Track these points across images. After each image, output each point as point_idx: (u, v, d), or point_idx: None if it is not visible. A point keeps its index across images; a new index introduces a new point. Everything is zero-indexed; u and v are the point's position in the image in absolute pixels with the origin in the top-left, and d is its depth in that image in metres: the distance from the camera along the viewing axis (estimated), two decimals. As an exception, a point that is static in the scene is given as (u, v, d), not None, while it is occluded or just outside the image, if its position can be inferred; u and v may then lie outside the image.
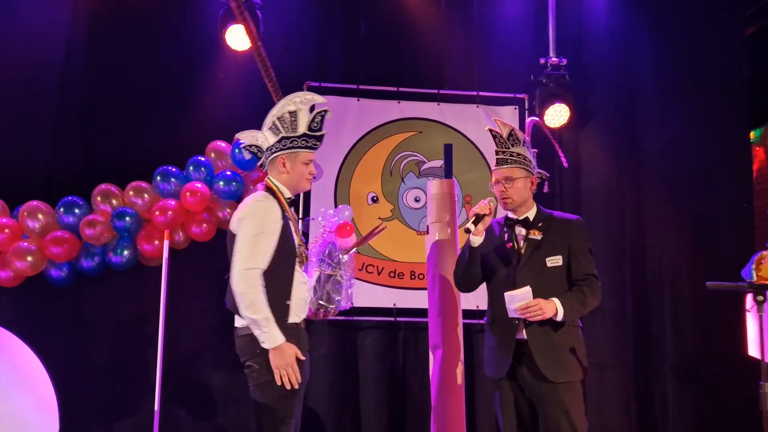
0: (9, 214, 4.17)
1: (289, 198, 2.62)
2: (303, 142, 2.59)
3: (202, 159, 4.26)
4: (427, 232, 3.66)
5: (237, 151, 4.27)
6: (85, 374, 4.27)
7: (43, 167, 4.41)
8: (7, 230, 4.04)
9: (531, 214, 2.80)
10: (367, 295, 4.50)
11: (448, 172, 3.75)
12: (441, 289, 3.56)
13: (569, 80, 4.63)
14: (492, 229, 2.87)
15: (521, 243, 2.77)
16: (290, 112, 2.57)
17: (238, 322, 2.52)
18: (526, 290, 2.57)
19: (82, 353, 4.29)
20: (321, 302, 2.61)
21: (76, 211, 4.15)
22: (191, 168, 4.26)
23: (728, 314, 4.27)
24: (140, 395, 4.19)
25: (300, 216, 4.48)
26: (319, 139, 2.63)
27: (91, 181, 4.25)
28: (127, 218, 4.08)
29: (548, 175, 3.01)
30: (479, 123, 4.74)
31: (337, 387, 4.53)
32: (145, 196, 4.20)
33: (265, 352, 2.41)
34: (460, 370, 3.55)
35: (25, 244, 4.08)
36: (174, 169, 4.25)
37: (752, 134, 5.55)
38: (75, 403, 4.15)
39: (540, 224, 2.77)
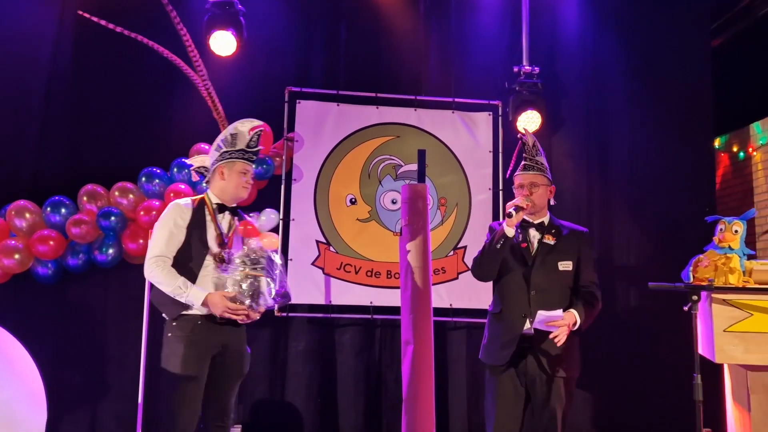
0: (-3, 213, 4.25)
1: (219, 204, 2.94)
2: (240, 155, 2.96)
3: (186, 161, 4.39)
4: (400, 234, 3.82)
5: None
6: (72, 368, 4.35)
7: (30, 167, 4.47)
8: (-6, 229, 4.13)
9: (546, 220, 3.02)
10: (345, 293, 4.62)
11: (421, 176, 3.89)
12: (413, 287, 3.71)
13: (542, 88, 4.77)
14: (497, 229, 3.00)
15: (535, 245, 2.96)
16: (231, 134, 2.97)
17: None
18: (558, 313, 2.76)
19: (68, 348, 4.37)
20: (247, 302, 2.76)
21: (63, 210, 4.24)
22: (175, 169, 4.37)
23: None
24: (124, 388, 4.30)
25: (281, 217, 4.62)
26: (255, 153, 3.01)
27: (77, 182, 4.34)
28: (113, 218, 4.18)
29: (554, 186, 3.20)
30: (455, 128, 4.89)
31: (315, 382, 4.64)
32: (130, 196, 4.30)
33: (168, 338, 2.76)
34: (430, 365, 3.71)
35: (13, 242, 4.16)
36: (158, 171, 4.36)
37: (717, 141, 5.77)
38: (62, 395, 4.26)
39: (553, 231, 2.97)
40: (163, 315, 2.89)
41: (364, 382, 4.70)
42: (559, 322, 2.74)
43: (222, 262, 2.84)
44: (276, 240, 2.86)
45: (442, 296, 4.69)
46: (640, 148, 5.03)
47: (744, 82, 5.53)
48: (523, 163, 3.02)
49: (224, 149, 2.96)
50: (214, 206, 2.95)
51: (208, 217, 2.90)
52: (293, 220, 4.63)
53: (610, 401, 4.81)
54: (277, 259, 2.89)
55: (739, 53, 5.61)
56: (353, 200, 4.75)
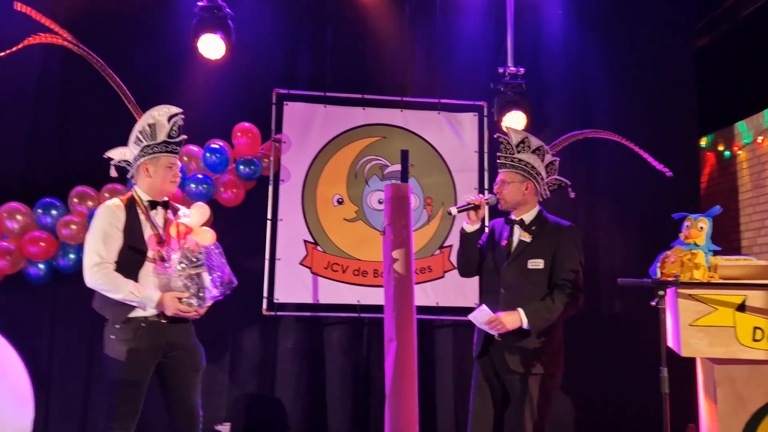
0: (-12, 215, 4.30)
1: (150, 201, 2.85)
2: (163, 147, 2.84)
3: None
4: (384, 233, 3.87)
5: (208, 154, 4.46)
6: (61, 367, 4.42)
7: (21, 170, 4.52)
8: (-14, 230, 4.19)
9: (528, 216, 3.00)
10: (333, 292, 4.68)
11: (404, 176, 3.95)
12: (396, 285, 3.76)
13: (526, 88, 4.82)
14: (496, 227, 3.11)
15: (514, 243, 2.98)
16: (149, 125, 2.82)
17: None
18: (482, 309, 2.80)
19: (58, 347, 4.43)
20: (195, 301, 2.77)
21: (54, 212, 4.30)
22: (163, 171, 4.44)
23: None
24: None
25: (269, 217, 4.69)
26: (179, 144, 2.87)
27: (67, 183, 4.39)
28: (102, 219, 4.26)
29: (568, 182, 3.19)
30: (440, 129, 4.95)
31: (303, 380, 4.69)
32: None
33: (111, 340, 2.73)
34: (413, 361, 3.77)
35: (5, 243, 4.21)
36: (147, 172, 4.43)
37: (704, 140, 5.83)
38: (50, 394, 4.34)
39: (533, 227, 2.96)
40: (107, 318, 2.83)
41: (352, 379, 4.75)
42: (491, 318, 2.77)
43: (162, 260, 2.77)
44: (211, 234, 2.83)
45: (428, 294, 4.75)
46: (625, 148, 5.06)
47: (729, 81, 5.59)
48: (497, 161, 3.08)
49: (145, 143, 2.82)
50: (146, 204, 2.85)
51: (142, 216, 2.82)
52: (281, 220, 4.71)
53: (592, 398, 4.87)
54: (214, 248, 2.83)
55: (724, 53, 5.67)
56: (340, 200, 4.81)
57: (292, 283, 4.65)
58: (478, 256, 3.09)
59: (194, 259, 2.75)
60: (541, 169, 3.00)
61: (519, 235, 2.98)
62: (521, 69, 4.86)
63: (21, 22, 4.46)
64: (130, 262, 2.76)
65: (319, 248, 4.72)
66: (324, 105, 4.85)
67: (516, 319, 2.78)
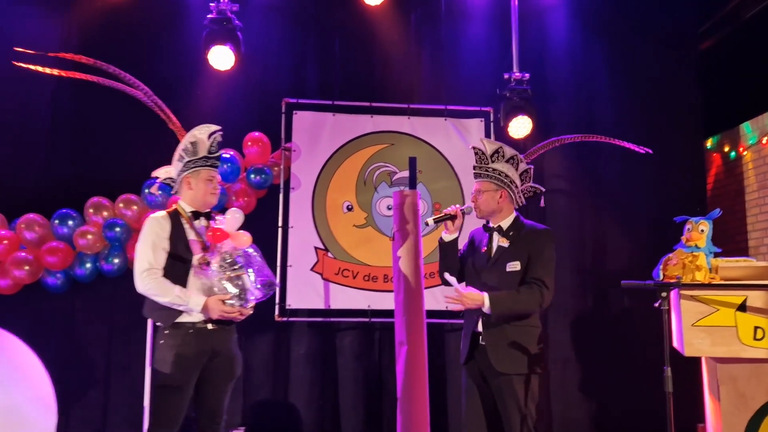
0: (7, 226, 4.43)
1: (194, 211, 3.01)
2: (203, 162, 3.00)
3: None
4: (393, 238, 3.95)
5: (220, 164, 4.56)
6: (80, 373, 4.52)
7: (38, 182, 4.64)
8: (5, 241, 4.29)
9: (505, 223, 3.09)
10: (344, 297, 4.76)
11: (412, 183, 4.02)
12: (406, 290, 3.83)
13: (532, 94, 4.86)
14: (475, 236, 3.21)
15: (494, 248, 3.07)
16: (191, 143, 2.99)
17: None
18: (455, 282, 2.90)
19: (77, 354, 4.53)
20: (237, 303, 2.86)
21: (70, 222, 4.41)
22: (177, 181, 4.54)
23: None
24: (131, 392, 4.43)
25: (280, 225, 4.78)
26: (218, 158, 3.04)
27: (83, 195, 4.50)
28: (118, 229, 4.35)
29: (543, 189, 3.27)
30: (447, 135, 5.02)
31: (316, 385, 4.76)
32: (134, 207, 4.46)
33: (161, 345, 2.85)
34: (424, 364, 3.83)
35: (23, 254, 4.33)
36: (161, 183, 4.52)
37: (710, 141, 5.86)
38: (71, 399, 4.44)
39: (511, 233, 3.05)
40: (157, 323, 2.97)
41: (364, 384, 4.81)
42: (457, 295, 2.86)
43: (207, 264, 2.89)
44: (247, 237, 2.93)
45: (438, 299, 4.79)
46: (630, 151, 5.11)
47: (733, 82, 5.62)
48: (473, 171, 3.17)
49: (187, 159, 2.99)
50: (189, 214, 3.00)
51: (186, 226, 2.96)
52: (292, 227, 4.79)
53: (604, 398, 4.91)
54: (253, 251, 2.95)
55: (728, 55, 5.71)
56: (350, 207, 4.89)
57: (303, 290, 4.73)
58: (459, 263, 3.21)
59: (233, 262, 2.85)
60: (515, 177, 3.08)
61: (498, 240, 3.07)
62: (526, 74, 4.90)
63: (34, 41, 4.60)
64: (177, 269, 2.89)
65: (329, 254, 4.80)
66: (332, 113, 4.94)
67: (479, 299, 2.86)
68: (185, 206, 3.03)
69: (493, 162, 3.07)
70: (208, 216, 3.06)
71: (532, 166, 3.19)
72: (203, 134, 2.99)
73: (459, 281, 3.08)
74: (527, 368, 2.90)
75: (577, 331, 5.02)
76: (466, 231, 3.36)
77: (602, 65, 5.26)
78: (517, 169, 3.08)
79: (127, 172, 4.61)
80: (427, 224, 3.21)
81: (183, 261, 2.91)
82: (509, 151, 3.09)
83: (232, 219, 2.92)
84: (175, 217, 2.98)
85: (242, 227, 2.97)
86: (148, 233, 2.91)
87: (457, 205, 3.15)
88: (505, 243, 3.03)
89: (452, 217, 3.12)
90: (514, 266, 2.96)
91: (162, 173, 3.14)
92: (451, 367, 4.90)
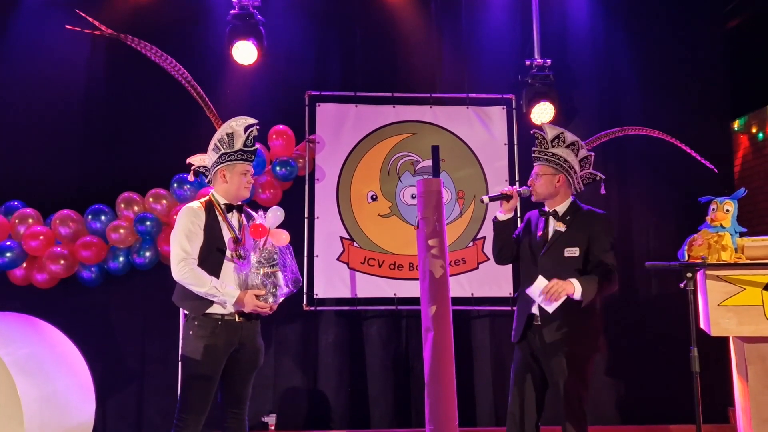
0: (43, 222, 4.55)
1: (227, 204, 3.03)
2: (239, 156, 3.01)
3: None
4: (418, 227, 3.99)
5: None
6: (115, 364, 4.65)
7: (72, 179, 4.78)
8: (41, 237, 4.42)
9: (561, 207, 3.09)
10: (370, 286, 4.82)
11: (435, 171, 4.05)
12: (431, 277, 3.87)
13: (554, 80, 4.85)
14: (532, 218, 3.22)
15: (550, 233, 3.08)
16: (227, 134, 3.00)
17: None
18: (540, 280, 2.86)
19: (112, 346, 4.67)
20: (271, 299, 2.92)
21: (103, 217, 4.52)
22: (204, 175, 4.62)
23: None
24: (165, 382, 4.57)
25: (306, 216, 4.85)
26: (253, 152, 3.04)
27: (115, 190, 4.61)
28: (148, 223, 4.44)
29: (603, 176, 3.28)
30: (470, 123, 5.04)
31: (345, 373, 4.84)
32: (164, 201, 4.55)
33: (190, 336, 2.89)
34: (450, 349, 3.87)
35: (58, 249, 4.45)
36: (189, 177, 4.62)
37: (737, 123, 5.77)
38: (107, 388, 4.56)
39: (567, 217, 3.06)
40: (185, 312, 3.02)
41: (392, 371, 4.88)
42: (549, 285, 2.82)
43: (240, 258, 2.95)
44: (286, 236, 2.99)
45: (463, 286, 4.84)
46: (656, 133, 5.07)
47: (761, 62, 5.52)
48: (532, 155, 3.18)
49: (222, 151, 3.01)
50: (222, 207, 3.03)
51: (220, 218, 3.00)
52: (318, 218, 4.86)
53: (632, 382, 4.91)
54: (286, 250, 3.02)
55: (755, 34, 5.59)
56: (374, 197, 4.93)
57: (330, 279, 4.80)
58: (514, 245, 3.22)
59: (271, 258, 2.91)
60: (575, 163, 3.08)
61: (554, 225, 3.07)
62: (548, 60, 4.89)
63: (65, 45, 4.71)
64: (210, 259, 2.93)
65: (355, 244, 4.86)
66: (355, 105, 4.98)
67: (571, 286, 2.84)
68: (219, 198, 3.05)
69: (553, 147, 3.08)
70: (240, 209, 3.10)
71: (593, 153, 3.18)
72: (240, 126, 3.00)
73: (506, 262, 3.16)
74: (579, 350, 2.90)
75: (604, 313, 4.99)
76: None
77: (625, 48, 5.21)
78: (577, 155, 3.09)
79: (156, 168, 4.72)
80: (482, 201, 3.22)
81: (216, 252, 2.95)
82: (570, 137, 3.09)
83: (272, 216, 2.96)
84: (209, 208, 3.01)
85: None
86: (184, 222, 2.94)
87: (515, 186, 3.16)
88: (562, 227, 3.03)
89: (508, 197, 3.12)
90: (573, 252, 2.97)
91: (197, 160, 3.15)
92: (478, 353, 4.94)
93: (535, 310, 3.01)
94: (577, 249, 2.97)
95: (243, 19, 4.60)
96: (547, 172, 3.09)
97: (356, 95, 4.99)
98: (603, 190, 3.34)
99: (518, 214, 4.33)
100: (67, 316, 4.46)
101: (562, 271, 2.94)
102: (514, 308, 3.24)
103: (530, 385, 3.04)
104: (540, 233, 3.09)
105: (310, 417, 4.81)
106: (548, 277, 2.88)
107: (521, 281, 3.19)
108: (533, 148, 3.18)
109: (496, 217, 3.21)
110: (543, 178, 3.09)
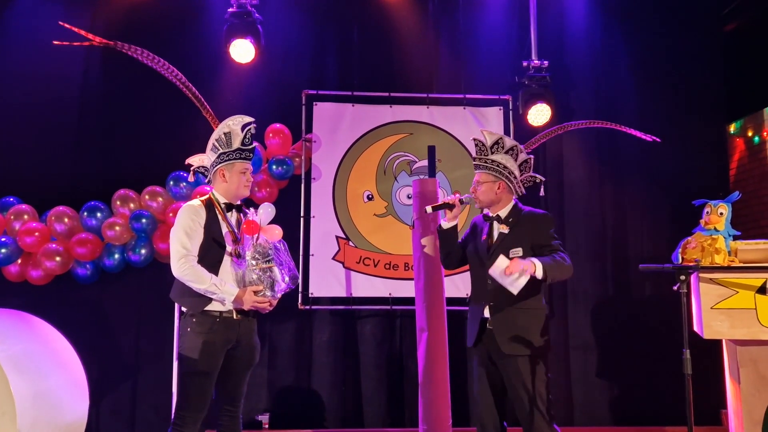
0: (38, 219, 4.55)
1: (227, 203, 3.04)
2: (237, 154, 3.01)
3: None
4: (413, 227, 4.00)
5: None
6: (109, 361, 4.65)
7: (67, 175, 4.77)
8: (37, 233, 4.42)
9: (504, 211, 3.13)
10: (365, 285, 4.83)
11: (431, 171, 4.07)
12: (426, 277, 3.90)
13: (550, 81, 4.86)
14: (477, 224, 3.25)
15: (495, 236, 3.12)
16: (225, 134, 3.00)
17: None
18: (501, 259, 2.84)
19: (106, 342, 4.67)
20: (269, 293, 2.92)
21: (98, 214, 4.52)
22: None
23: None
24: (159, 379, 4.55)
25: (302, 215, 4.86)
26: (251, 151, 3.05)
27: (110, 187, 4.61)
28: (144, 220, 4.45)
29: (542, 178, 3.30)
30: (466, 124, 5.04)
31: (339, 372, 4.86)
32: (160, 199, 4.56)
33: (188, 333, 2.89)
34: (444, 349, 3.89)
35: (54, 245, 4.46)
36: (185, 174, 4.56)
37: (733, 126, 5.79)
38: (101, 385, 4.56)
39: (510, 220, 3.10)
40: (183, 309, 3.02)
41: (386, 370, 4.89)
42: (510, 263, 2.80)
43: (238, 257, 2.96)
44: (278, 231, 2.99)
45: (458, 287, 4.85)
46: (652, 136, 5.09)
47: (757, 66, 5.54)
48: (473, 163, 3.22)
49: (221, 150, 3.01)
50: (222, 206, 3.04)
51: (219, 217, 3.01)
52: (314, 217, 4.86)
53: (625, 384, 4.93)
54: (281, 246, 3.02)
55: (752, 38, 5.62)
56: (370, 196, 4.94)
57: (325, 278, 4.80)
58: (460, 250, 3.26)
59: (265, 254, 2.92)
60: (514, 168, 3.12)
61: (498, 228, 3.12)
62: (545, 62, 4.90)
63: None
64: (210, 257, 2.94)
65: (350, 243, 4.86)
66: (352, 104, 4.99)
67: (530, 263, 2.83)
68: (219, 197, 3.06)
69: (492, 153, 3.11)
70: (239, 208, 3.10)
71: (533, 156, 3.21)
72: (237, 125, 3.02)
73: (453, 268, 3.22)
74: (533, 350, 2.93)
75: (597, 316, 5.03)
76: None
77: (622, 50, 5.23)
78: (516, 160, 3.12)
79: (152, 165, 4.72)
80: (426, 212, 3.27)
81: (216, 250, 2.95)
82: (509, 142, 3.12)
83: (264, 213, 2.97)
84: (209, 206, 3.02)
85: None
86: (185, 220, 2.95)
87: (457, 194, 3.19)
88: (505, 229, 3.08)
89: (450, 206, 3.18)
90: (517, 252, 3.00)
91: (196, 161, 3.16)
92: (472, 352, 4.92)
93: (487, 314, 3.04)
94: (521, 249, 3.01)
95: (241, 18, 4.59)
96: (487, 179, 3.12)
97: (353, 95, 5.00)
98: (542, 192, 3.43)
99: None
100: (62, 313, 4.45)
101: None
102: None
103: (488, 389, 3.07)
104: (485, 237, 3.15)
105: (303, 416, 4.81)
106: (497, 281, 2.88)
107: (472, 285, 3.21)
108: (473, 156, 3.21)
109: (440, 225, 3.26)
110: (484, 185, 3.12)
